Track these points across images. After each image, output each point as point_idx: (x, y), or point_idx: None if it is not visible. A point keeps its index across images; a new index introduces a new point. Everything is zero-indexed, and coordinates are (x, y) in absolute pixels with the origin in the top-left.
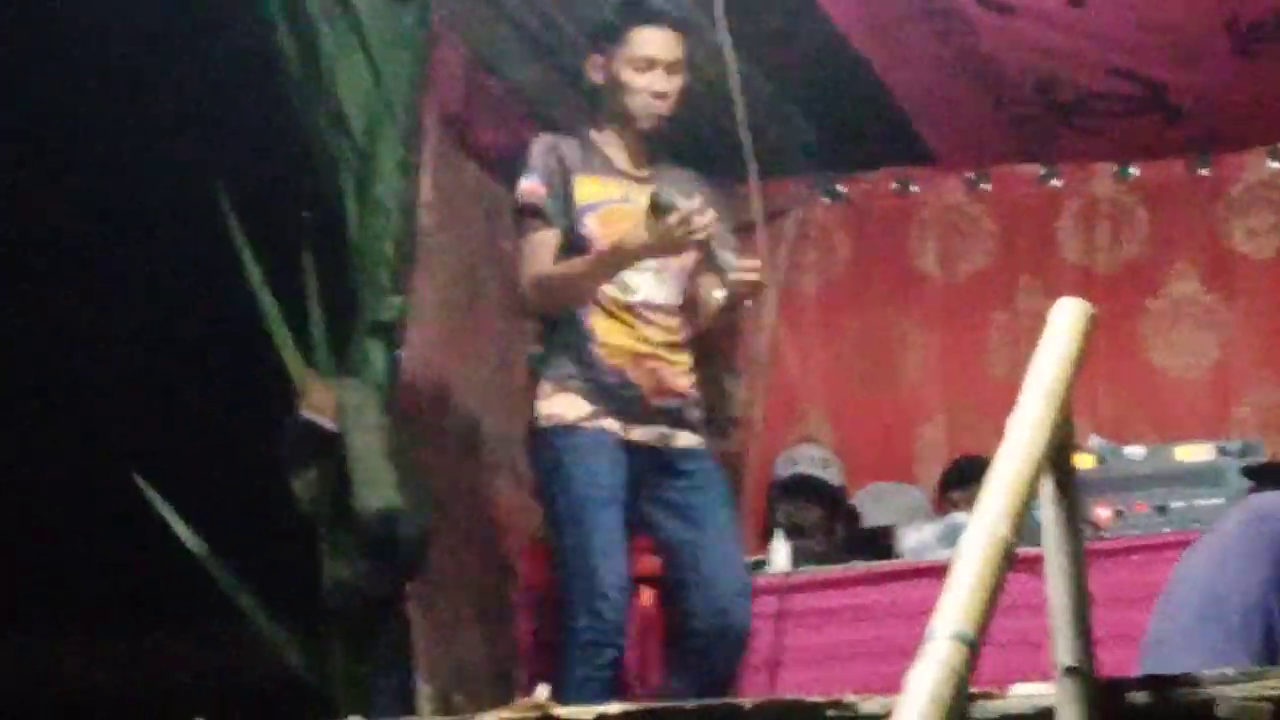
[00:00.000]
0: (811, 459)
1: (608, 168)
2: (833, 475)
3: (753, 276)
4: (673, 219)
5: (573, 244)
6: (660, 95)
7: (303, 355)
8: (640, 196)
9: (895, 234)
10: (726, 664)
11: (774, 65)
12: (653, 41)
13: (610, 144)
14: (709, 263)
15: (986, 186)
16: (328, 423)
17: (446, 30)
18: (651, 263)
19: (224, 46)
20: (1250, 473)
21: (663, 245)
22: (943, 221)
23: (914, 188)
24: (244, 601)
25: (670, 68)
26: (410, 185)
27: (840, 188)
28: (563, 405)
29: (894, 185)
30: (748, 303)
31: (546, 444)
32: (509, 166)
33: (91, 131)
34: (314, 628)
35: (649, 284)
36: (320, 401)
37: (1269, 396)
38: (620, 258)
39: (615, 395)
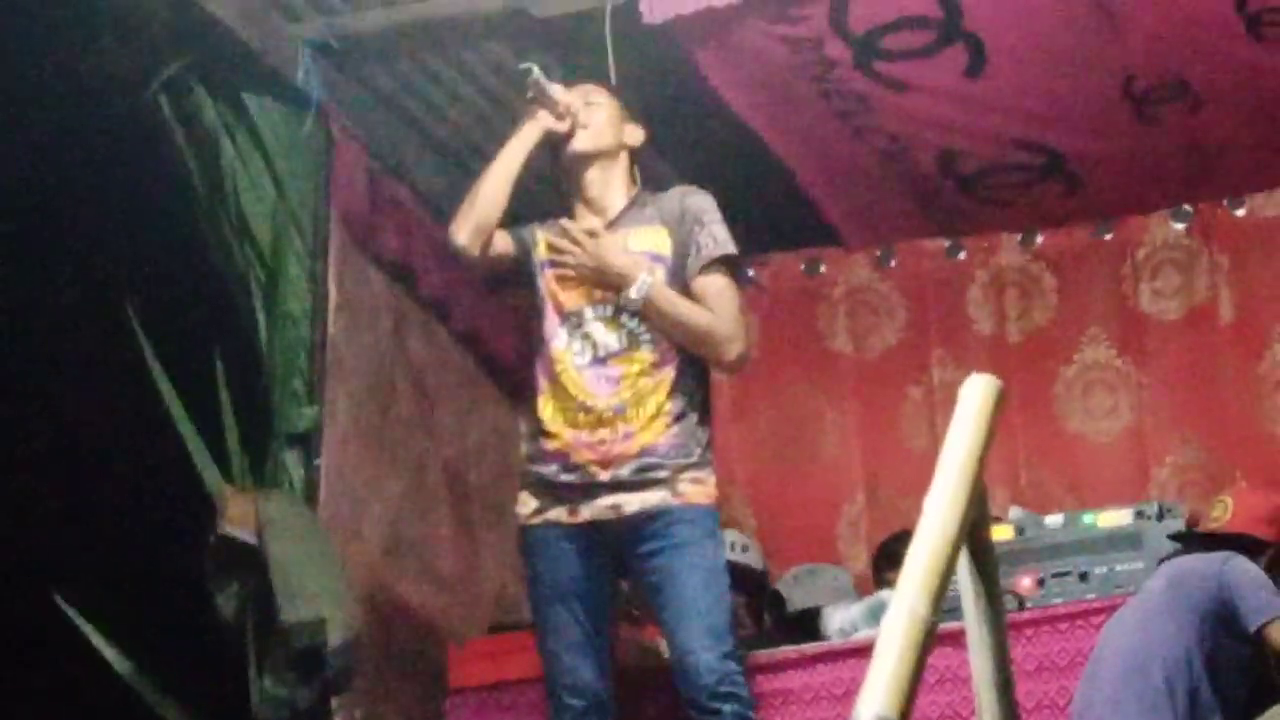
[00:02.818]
0: (730, 545)
1: None
2: (753, 559)
3: (568, 99)
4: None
5: None
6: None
7: (220, 469)
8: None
9: (806, 314)
10: None
11: (676, 151)
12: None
13: None
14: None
15: (894, 263)
16: (248, 536)
17: (346, 136)
18: (600, 310)
19: (127, 163)
20: (1175, 538)
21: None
22: (853, 300)
23: (823, 268)
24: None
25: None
26: (318, 293)
27: (749, 271)
28: (521, 505)
29: (802, 266)
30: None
31: (519, 544)
32: (413, 269)
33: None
34: None
35: (600, 335)
36: (239, 515)
37: (1186, 457)
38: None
39: (556, 485)
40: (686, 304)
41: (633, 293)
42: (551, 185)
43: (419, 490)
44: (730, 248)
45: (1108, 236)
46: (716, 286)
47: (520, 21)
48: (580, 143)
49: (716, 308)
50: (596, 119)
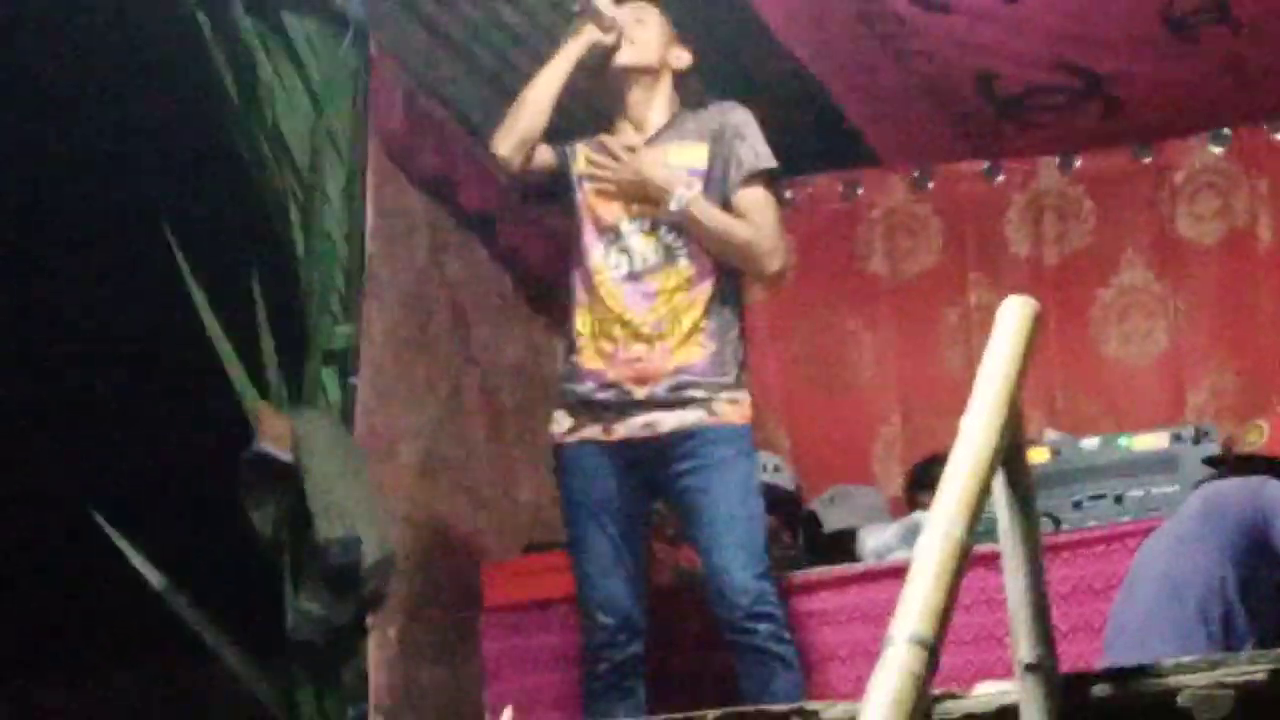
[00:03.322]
0: (763, 465)
1: None
2: (784, 480)
3: (615, 13)
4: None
5: None
6: None
7: (256, 387)
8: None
9: (842, 236)
10: (753, 663)
11: (714, 73)
12: None
13: None
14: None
15: (931, 185)
16: (284, 454)
17: (384, 56)
18: (639, 223)
19: (164, 80)
20: (1210, 462)
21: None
22: (889, 222)
23: (859, 190)
24: (209, 636)
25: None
26: (356, 212)
27: (785, 192)
28: (555, 423)
29: (839, 188)
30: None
31: (553, 462)
32: (452, 189)
33: (36, 169)
34: (280, 660)
35: (638, 248)
36: (275, 432)
37: (1222, 381)
38: (546, 65)
39: (592, 402)
40: (726, 217)
41: (671, 205)
42: (592, 103)
43: (455, 409)
44: (770, 161)
45: (1146, 160)
46: (756, 199)
47: None
48: (626, 56)
49: (757, 220)
50: (644, 35)
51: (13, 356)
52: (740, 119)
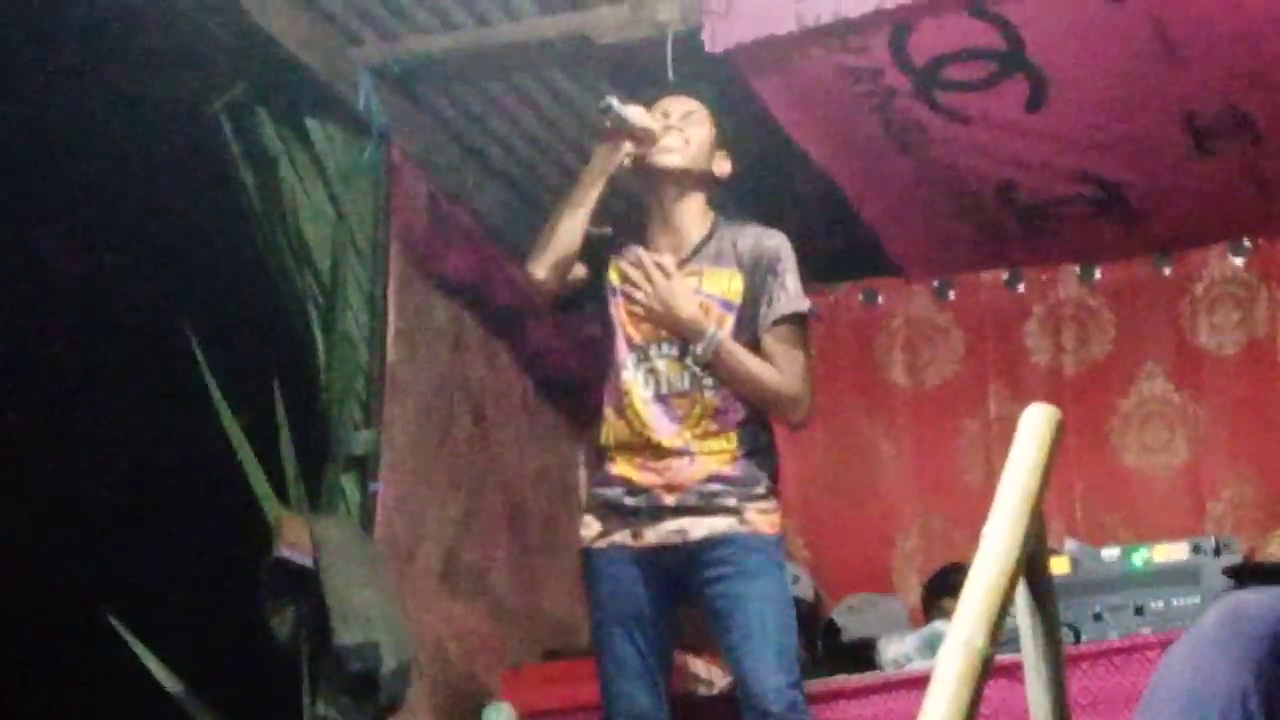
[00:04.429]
0: None
1: None
2: (804, 590)
3: (648, 124)
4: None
5: None
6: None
7: (276, 492)
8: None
9: (863, 345)
10: None
11: (738, 182)
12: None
13: None
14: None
15: (952, 294)
16: (304, 559)
17: (406, 160)
18: (667, 349)
19: (188, 184)
20: (1231, 572)
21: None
22: (910, 331)
23: (880, 299)
24: None
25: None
26: (377, 317)
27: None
28: (584, 528)
29: (860, 297)
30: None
31: (581, 567)
32: (474, 293)
33: (63, 272)
34: None
35: (666, 372)
36: (295, 538)
37: (1242, 492)
38: (578, 184)
39: (622, 507)
40: (754, 362)
41: (699, 349)
42: (626, 211)
43: (476, 514)
44: (802, 304)
45: (1166, 270)
46: (785, 344)
47: (581, 48)
48: (673, 159)
49: (784, 366)
50: (696, 137)
51: (34, 459)
52: (777, 250)
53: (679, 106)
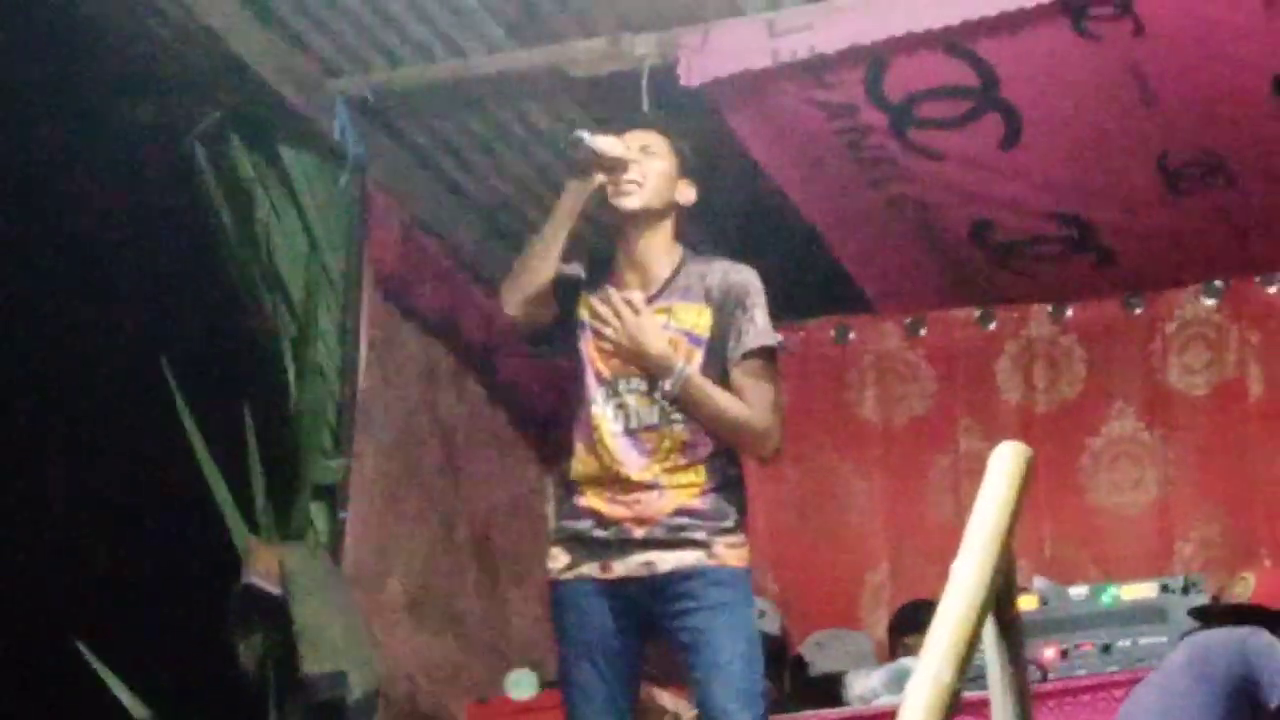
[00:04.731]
0: None
1: None
2: (770, 625)
3: (620, 153)
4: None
5: None
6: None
7: (246, 521)
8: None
9: (835, 381)
10: None
11: (708, 215)
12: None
13: None
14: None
15: (923, 332)
16: (272, 588)
17: (381, 191)
18: (636, 384)
19: (160, 213)
20: (1197, 613)
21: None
22: (881, 368)
23: (852, 335)
24: None
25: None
26: (349, 347)
27: (777, 338)
28: (552, 560)
29: (832, 333)
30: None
31: (549, 599)
32: (446, 325)
33: (32, 301)
34: None
35: (635, 406)
36: (264, 566)
37: (1210, 532)
38: (550, 219)
39: (591, 540)
40: (723, 397)
41: (667, 385)
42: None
43: (445, 545)
44: (770, 338)
45: (1138, 310)
46: (754, 379)
47: (556, 81)
48: (633, 201)
49: (753, 401)
50: (653, 171)
51: (4, 485)
52: (745, 285)
53: (636, 140)
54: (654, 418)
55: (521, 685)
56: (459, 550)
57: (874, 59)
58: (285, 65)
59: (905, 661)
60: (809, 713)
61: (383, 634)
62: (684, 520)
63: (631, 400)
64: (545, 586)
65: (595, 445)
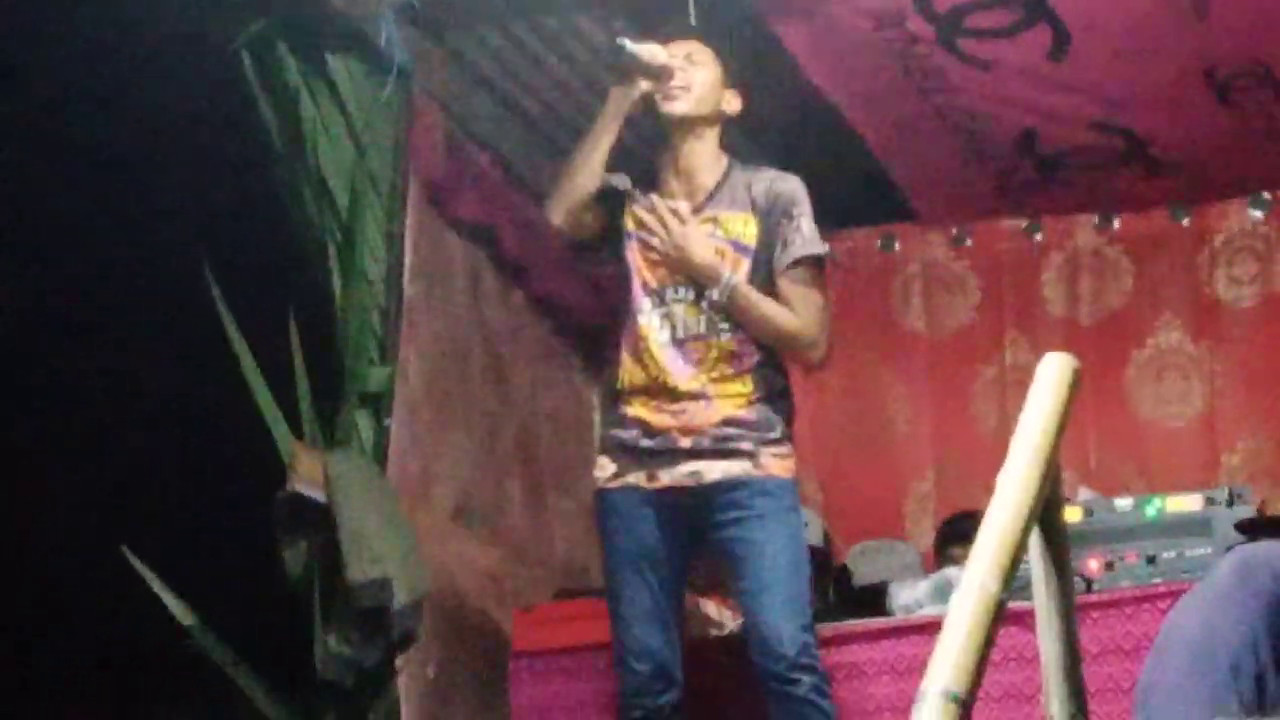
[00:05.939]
0: None
1: None
2: (814, 535)
3: (663, 60)
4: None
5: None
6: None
7: (291, 428)
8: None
9: (880, 291)
10: (793, 715)
11: (754, 125)
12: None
13: None
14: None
15: (969, 242)
16: (317, 494)
17: (427, 100)
18: (683, 293)
19: (206, 120)
20: (1242, 526)
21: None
22: (927, 278)
23: (897, 245)
24: (237, 675)
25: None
26: (394, 255)
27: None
28: (599, 469)
29: (878, 242)
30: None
31: (595, 508)
32: (491, 234)
33: (76, 211)
34: (309, 701)
35: (681, 316)
36: (309, 473)
37: (1256, 444)
38: (594, 127)
39: (637, 448)
40: (769, 305)
41: (715, 294)
42: (640, 154)
43: (490, 454)
44: (818, 247)
45: (1185, 222)
46: (801, 287)
47: None
48: (679, 106)
49: (800, 309)
50: (699, 79)
51: (47, 396)
52: (792, 193)
53: (680, 49)
54: (701, 327)
55: None
56: (504, 459)
57: None
58: None
59: (950, 572)
60: (853, 622)
61: (428, 542)
62: (731, 430)
63: (678, 309)
64: (591, 495)
65: (642, 355)
